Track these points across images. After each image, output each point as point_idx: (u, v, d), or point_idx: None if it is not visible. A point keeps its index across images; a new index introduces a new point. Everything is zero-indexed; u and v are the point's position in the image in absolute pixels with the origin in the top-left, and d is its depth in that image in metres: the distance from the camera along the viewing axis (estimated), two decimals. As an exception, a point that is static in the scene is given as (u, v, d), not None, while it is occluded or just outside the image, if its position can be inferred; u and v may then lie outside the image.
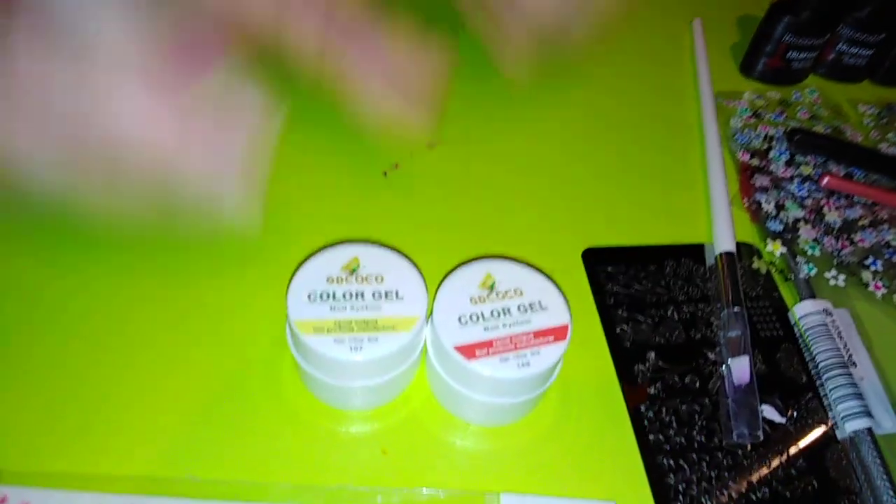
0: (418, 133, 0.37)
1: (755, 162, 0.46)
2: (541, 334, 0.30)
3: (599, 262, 0.39)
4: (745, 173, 0.45)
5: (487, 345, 0.29)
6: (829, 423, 0.34)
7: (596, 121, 0.48)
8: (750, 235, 0.42)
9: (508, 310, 0.31)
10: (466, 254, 0.38)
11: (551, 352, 0.29)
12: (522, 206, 0.42)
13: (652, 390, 0.34)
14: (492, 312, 0.30)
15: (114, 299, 0.35)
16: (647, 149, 0.46)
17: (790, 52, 0.50)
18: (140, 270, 0.36)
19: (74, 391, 0.32)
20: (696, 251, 0.40)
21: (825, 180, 0.44)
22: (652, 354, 0.35)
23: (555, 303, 0.31)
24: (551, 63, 0.47)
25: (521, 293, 0.31)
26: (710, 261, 0.40)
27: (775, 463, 0.32)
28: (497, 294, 0.31)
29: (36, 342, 0.33)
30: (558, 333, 0.30)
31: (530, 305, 0.31)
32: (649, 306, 0.37)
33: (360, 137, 0.44)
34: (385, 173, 0.42)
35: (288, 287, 0.30)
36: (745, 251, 0.40)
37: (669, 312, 0.37)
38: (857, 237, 0.42)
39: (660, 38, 0.55)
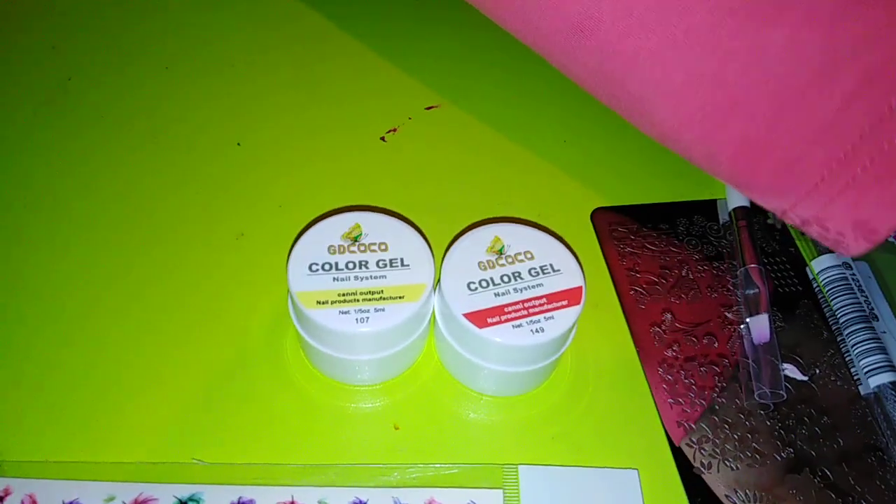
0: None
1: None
2: (554, 298, 0.29)
3: (610, 223, 0.37)
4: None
5: (499, 311, 0.28)
6: (853, 379, 0.33)
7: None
8: (764, 189, 0.40)
9: (519, 274, 0.29)
10: (471, 218, 0.36)
11: (566, 316, 0.28)
12: (527, 167, 0.40)
13: (669, 353, 0.33)
14: (502, 277, 0.29)
15: (109, 281, 0.34)
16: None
17: None
18: (132, 250, 0.35)
19: (74, 379, 0.30)
20: (708, 207, 0.39)
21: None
22: (668, 316, 0.34)
23: (567, 265, 0.30)
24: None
25: (532, 256, 0.30)
26: (723, 217, 0.38)
27: (799, 422, 0.31)
28: (507, 258, 0.30)
29: (34, 330, 0.32)
30: (572, 296, 0.29)
31: (542, 269, 0.29)
32: (663, 266, 0.36)
33: (355, 102, 0.42)
34: (383, 138, 0.40)
35: (287, 258, 0.29)
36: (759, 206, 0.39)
37: (684, 272, 0.36)
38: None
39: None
